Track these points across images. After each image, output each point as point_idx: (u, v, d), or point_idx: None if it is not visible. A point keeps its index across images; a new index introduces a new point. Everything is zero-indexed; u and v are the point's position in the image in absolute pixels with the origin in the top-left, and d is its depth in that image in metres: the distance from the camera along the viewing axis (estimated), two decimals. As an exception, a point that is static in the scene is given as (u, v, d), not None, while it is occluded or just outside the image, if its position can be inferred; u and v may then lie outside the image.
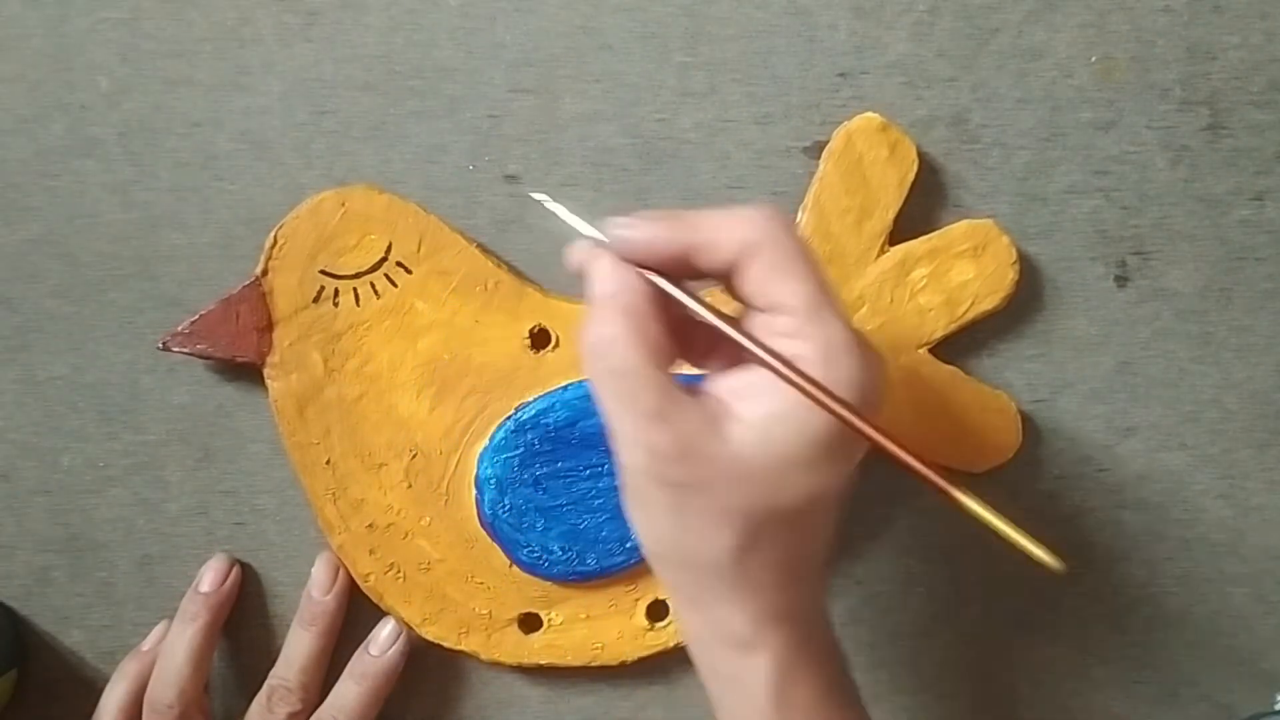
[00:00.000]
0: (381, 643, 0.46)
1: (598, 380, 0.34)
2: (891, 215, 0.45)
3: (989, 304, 0.46)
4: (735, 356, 0.34)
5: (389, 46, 0.46)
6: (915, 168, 0.45)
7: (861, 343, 0.34)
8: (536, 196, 0.38)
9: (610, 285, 0.34)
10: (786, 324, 0.33)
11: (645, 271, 0.34)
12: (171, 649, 0.45)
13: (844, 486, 0.35)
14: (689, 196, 0.46)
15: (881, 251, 0.45)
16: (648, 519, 0.35)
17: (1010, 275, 0.45)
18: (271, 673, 0.46)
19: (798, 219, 0.45)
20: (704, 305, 0.34)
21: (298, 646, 0.45)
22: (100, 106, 0.46)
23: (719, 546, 0.34)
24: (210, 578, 0.46)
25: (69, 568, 0.47)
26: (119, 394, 0.47)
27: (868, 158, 0.45)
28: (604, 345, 0.34)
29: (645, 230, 0.34)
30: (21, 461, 0.47)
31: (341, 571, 0.46)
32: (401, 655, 0.46)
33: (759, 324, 0.34)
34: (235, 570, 0.47)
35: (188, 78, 0.46)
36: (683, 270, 0.34)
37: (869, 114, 0.45)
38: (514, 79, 0.46)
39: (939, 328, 0.46)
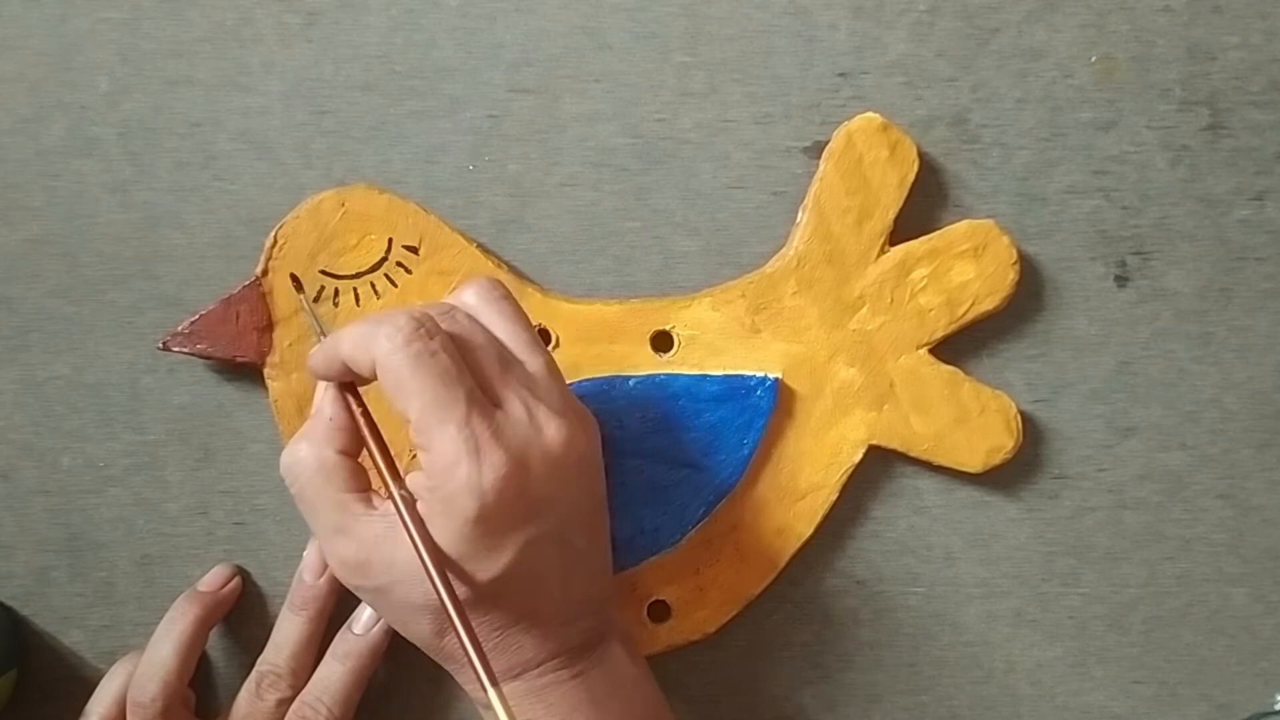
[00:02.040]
0: (365, 621, 0.45)
1: (296, 503, 0.39)
2: (892, 215, 0.45)
3: (989, 304, 0.46)
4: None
5: (389, 46, 0.46)
6: (916, 168, 0.45)
7: (482, 444, 0.36)
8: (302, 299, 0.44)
9: (313, 409, 0.40)
10: (413, 436, 0.37)
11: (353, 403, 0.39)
12: (157, 642, 0.44)
13: (535, 560, 0.38)
14: (689, 196, 0.46)
15: (882, 252, 0.45)
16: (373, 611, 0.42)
17: (1010, 275, 0.45)
18: (260, 658, 0.45)
19: (799, 218, 0.45)
20: (372, 433, 0.38)
21: (287, 631, 0.45)
22: (100, 106, 0.46)
23: (422, 634, 0.39)
24: (209, 578, 0.46)
25: (69, 568, 0.47)
26: (119, 394, 0.47)
27: (868, 158, 0.45)
28: (286, 473, 0.39)
29: (315, 352, 0.39)
30: (21, 461, 0.47)
31: None
32: (385, 634, 0.45)
33: None
34: (236, 580, 0.47)
35: (188, 78, 0.46)
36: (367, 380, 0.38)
37: (869, 114, 0.45)
38: (514, 79, 0.46)
39: (939, 328, 0.46)
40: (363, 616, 0.45)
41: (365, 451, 0.39)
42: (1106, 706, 0.49)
